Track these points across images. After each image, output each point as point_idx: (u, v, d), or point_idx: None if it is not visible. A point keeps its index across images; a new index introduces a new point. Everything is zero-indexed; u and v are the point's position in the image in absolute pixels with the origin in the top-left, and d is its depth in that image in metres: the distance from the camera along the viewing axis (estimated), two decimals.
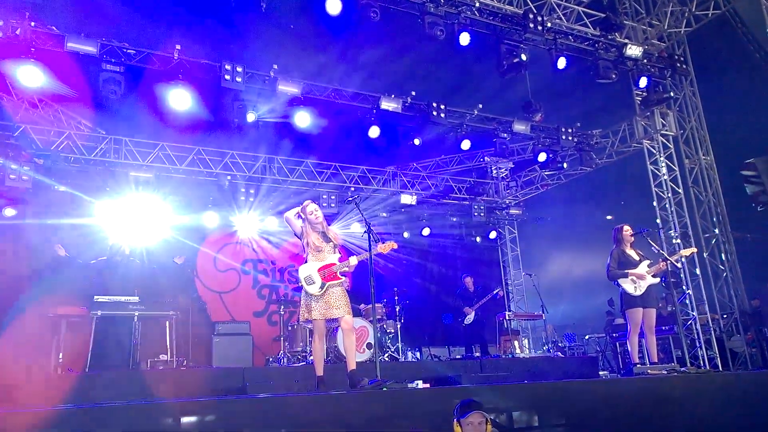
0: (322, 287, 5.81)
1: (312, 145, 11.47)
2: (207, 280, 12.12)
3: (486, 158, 14.42)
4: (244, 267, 12.61)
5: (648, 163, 11.51)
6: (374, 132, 10.69)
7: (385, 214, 13.88)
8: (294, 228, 6.02)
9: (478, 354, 11.21)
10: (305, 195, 12.03)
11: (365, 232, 6.02)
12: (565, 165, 13.05)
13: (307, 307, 5.85)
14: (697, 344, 10.53)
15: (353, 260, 5.91)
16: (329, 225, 6.22)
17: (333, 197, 12.15)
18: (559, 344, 13.09)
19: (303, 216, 5.96)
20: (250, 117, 9.83)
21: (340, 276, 5.87)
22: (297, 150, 11.80)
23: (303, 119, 10.08)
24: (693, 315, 10.69)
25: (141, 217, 11.06)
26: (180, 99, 9.04)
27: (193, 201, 11.80)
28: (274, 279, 12.86)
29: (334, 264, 5.88)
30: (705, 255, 11.28)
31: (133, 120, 10.15)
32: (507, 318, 11.64)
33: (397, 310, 10.37)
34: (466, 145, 11.85)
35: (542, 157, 12.34)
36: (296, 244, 6.18)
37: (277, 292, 12.70)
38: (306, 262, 5.95)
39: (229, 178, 11.43)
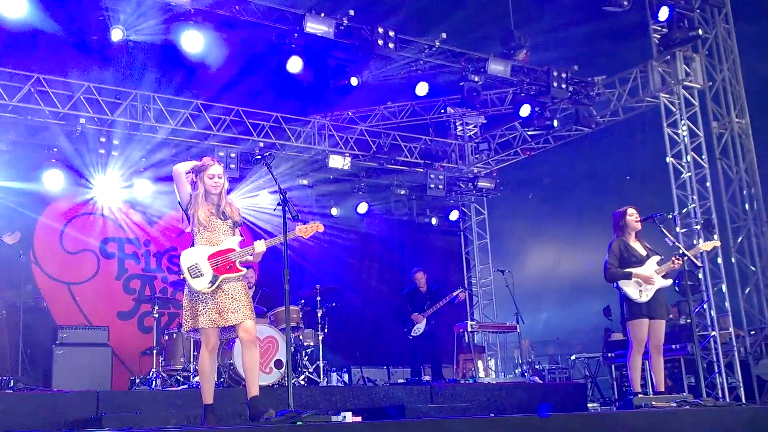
0: (213, 282, 5.72)
1: (206, 81, 11.30)
2: (49, 266, 11.84)
3: (449, 109, 14.45)
4: (105, 248, 12.38)
5: (664, 124, 11.77)
6: (295, 65, 10.57)
7: (306, 182, 13.82)
8: (180, 191, 5.94)
9: (428, 377, 11.34)
10: (194, 151, 11.88)
11: (279, 205, 5.94)
12: (555, 123, 13.21)
13: (191, 310, 5.77)
14: (716, 369, 10.91)
15: (260, 245, 5.84)
16: (228, 195, 6.11)
17: (233, 155, 11.97)
18: (537, 366, 13.38)
19: (196, 179, 5.86)
20: (116, 35, 9.62)
21: (240, 267, 5.81)
22: (184, 86, 11.62)
23: (193, 42, 9.92)
24: (712, 331, 11.08)
25: None
26: (11, 3, 8.71)
27: (29, 153, 11.47)
28: (149, 266, 12.69)
29: (233, 250, 5.80)
30: (732, 251, 11.69)
31: None
32: (469, 329, 11.79)
33: (319, 314, 10.37)
34: (422, 89, 11.84)
35: (525, 110, 12.44)
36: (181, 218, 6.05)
37: (153, 285, 12.56)
38: (192, 245, 5.87)
39: (83, 121, 11.10)
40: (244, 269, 5.86)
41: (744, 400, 10.64)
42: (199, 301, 5.75)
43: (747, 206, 11.89)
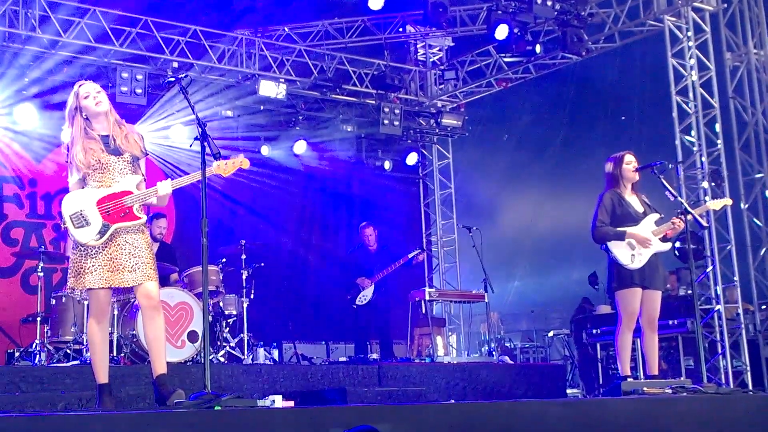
0: (102, 232, 5.64)
1: None
2: None
3: (409, 28, 14.33)
4: None
5: (669, 54, 11.78)
6: None
7: (230, 113, 13.75)
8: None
9: (376, 356, 11.47)
10: (91, 71, 11.86)
11: (196, 140, 5.82)
12: (538, 48, 13.18)
13: (79, 268, 5.72)
14: (720, 350, 11.11)
15: (165, 186, 5.75)
16: (132, 125, 6.06)
17: (140, 77, 11.92)
18: (507, 344, 13.51)
19: (74, 107, 5.82)
20: None
21: (139, 214, 5.72)
22: None
23: None
24: (717, 305, 11.23)
25: None
26: None
27: None
28: (35, 212, 12.63)
29: (129, 192, 5.72)
30: (743, 209, 11.81)
31: None
32: (427, 298, 11.78)
33: (244, 277, 10.40)
34: (376, 2, 11.69)
35: (502, 32, 12.34)
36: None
37: (40, 234, 12.52)
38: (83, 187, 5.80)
39: None
40: (144, 216, 5.76)
41: (751, 387, 10.82)
42: (87, 255, 5.68)
43: (763, 155, 11.98)
